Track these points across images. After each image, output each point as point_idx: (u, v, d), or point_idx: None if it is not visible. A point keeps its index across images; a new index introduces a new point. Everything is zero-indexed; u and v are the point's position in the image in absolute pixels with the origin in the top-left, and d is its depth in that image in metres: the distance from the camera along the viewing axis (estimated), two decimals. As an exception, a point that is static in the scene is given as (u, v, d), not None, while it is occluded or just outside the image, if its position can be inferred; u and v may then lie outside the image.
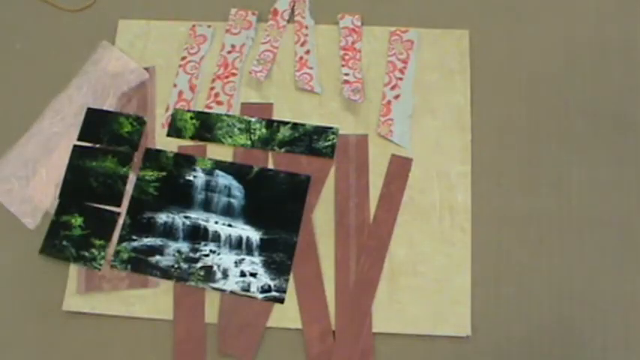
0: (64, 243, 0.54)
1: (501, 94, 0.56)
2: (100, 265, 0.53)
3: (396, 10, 0.60)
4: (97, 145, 0.56)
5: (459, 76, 0.57)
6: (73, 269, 0.53)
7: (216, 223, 0.53)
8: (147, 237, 0.53)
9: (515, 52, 0.58)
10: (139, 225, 0.53)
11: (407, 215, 0.53)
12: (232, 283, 0.52)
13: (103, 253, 0.53)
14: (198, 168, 0.55)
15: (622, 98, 0.56)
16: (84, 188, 0.55)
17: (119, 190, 0.55)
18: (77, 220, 0.54)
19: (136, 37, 0.60)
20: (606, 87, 0.56)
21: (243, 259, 0.52)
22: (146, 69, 0.58)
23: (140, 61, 0.59)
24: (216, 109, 0.57)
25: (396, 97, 0.56)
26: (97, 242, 0.53)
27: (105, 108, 0.57)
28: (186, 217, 0.53)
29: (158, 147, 0.56)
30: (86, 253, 0.53)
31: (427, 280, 0.51)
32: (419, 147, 0.55)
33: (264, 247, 0.53)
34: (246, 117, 0.56)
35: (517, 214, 0.53)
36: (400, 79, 0.57)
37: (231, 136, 0.56)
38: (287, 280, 0.52)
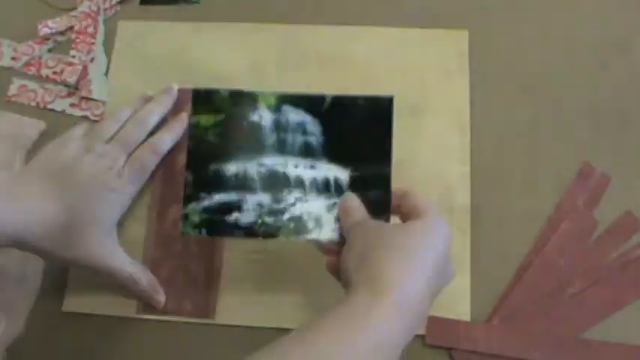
0: None
1: (501, 94, 0.56)
2: None
3: (396, 10, 0.60)
4: None
5: (458, 76, 0.57)
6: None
7: (296, 166, 0.46)
8: (217, 193, 0.47)
9: (515, 52, 0.58)
10: (206, 180, 0.47)
11: (406, 215, 0.53)
12: (328, 232, 0.46)
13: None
14: (261, 105, 0.48)
15: (622, 98, 0.56)
16: None
17: None
18: None
19: (135, 37, 0.60)
20: (606, 87, 0.56)
21: (335, 203, 0.47)
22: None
23: (140, 61, 0.59)
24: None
25: (92, 60, 0.59)
26: None
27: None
28: (259, 165, 0.47)
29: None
30: None
31: (427, 280, 0.51)
32: (418, 147, 0.55)
33: (356, 185, 0.47)
34: None
35: (517, 214, 0.53)
36: (93, 43, 0.59)
37: None
38: (389, 218, 0.46)
